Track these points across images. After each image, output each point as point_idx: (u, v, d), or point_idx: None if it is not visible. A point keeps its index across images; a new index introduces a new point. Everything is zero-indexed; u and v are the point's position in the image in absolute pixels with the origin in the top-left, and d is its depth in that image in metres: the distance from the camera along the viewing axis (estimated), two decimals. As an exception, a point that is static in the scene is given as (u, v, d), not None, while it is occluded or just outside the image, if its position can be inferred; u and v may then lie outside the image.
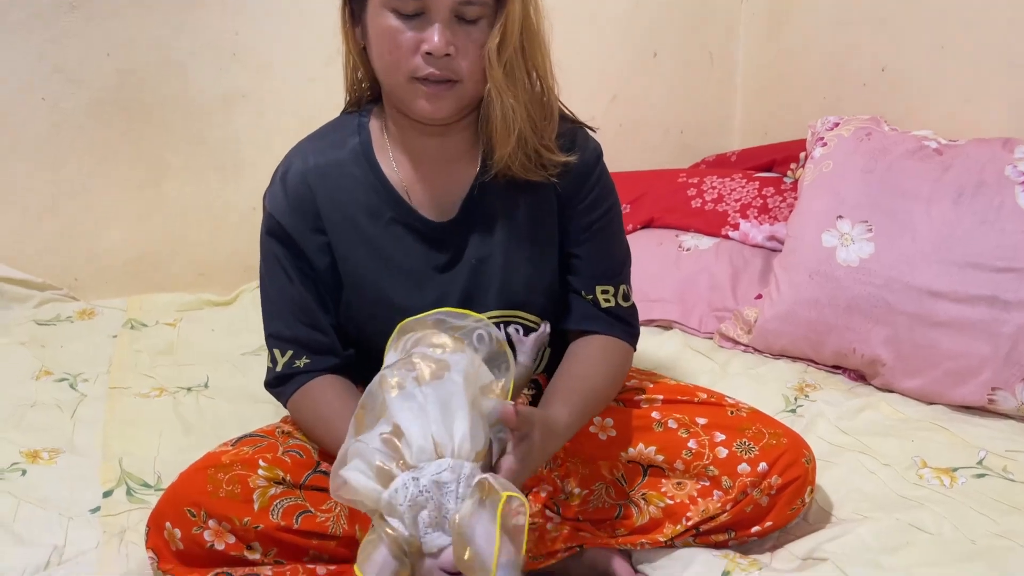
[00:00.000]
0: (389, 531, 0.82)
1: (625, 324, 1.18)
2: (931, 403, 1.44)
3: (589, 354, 1.15)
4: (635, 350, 1.20)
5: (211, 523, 1.05)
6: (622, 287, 1.18)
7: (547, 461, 1.14)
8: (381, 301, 1.11)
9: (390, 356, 0.98)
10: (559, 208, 1.13)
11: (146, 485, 1.31)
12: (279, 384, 1.14)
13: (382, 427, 0.87)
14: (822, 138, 1.71)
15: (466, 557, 0.78)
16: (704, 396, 1.19)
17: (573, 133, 1.13)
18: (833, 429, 1.37)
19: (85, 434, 1.44)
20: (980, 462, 1.25)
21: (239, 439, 1.13)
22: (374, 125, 1.14)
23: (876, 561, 1.04)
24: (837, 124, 1.73)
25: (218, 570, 1.04)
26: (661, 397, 1.19)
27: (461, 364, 0.91)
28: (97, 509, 1.24)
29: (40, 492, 1.27)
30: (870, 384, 1.53)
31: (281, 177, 1.12)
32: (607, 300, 1.16)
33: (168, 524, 1.06)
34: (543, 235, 1.14)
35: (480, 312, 1.06)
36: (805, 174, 1.70)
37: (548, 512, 1.15)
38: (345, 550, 1.08)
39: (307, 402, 1.11)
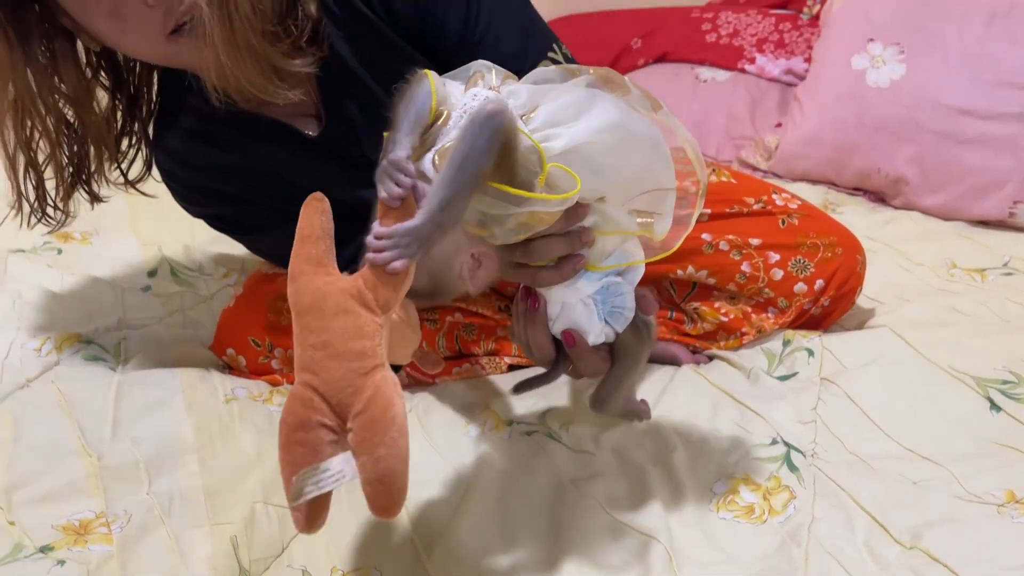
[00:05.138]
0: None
1: None
2: (950, 219, 1.50)
3: None
4: None
5: (277, 352, 1.05)
6: None
7: None
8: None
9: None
10: (408, 39, 0.93)
11: (190, 268, 1.29)
12: None
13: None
14: (851, -35, 1.71)
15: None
16: (752, 203, 1.14)
17: None
18: (862, 237, 1.41)
19: (111, 222, 1.39)
20: (1006, 264, 1.32)
21: None
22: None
23: (928, 332, 1.10)
24: (865, -47, 1.73)
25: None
26: (708, 211, 1.11)
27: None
28: (148, 288, 1.22)
29: (82, 268, 1.24)
30: (890, 205, 1.58)
31: (164, 176, 1.02)
32: None
33: (231, 351, 1.07)
34: None
35: None
36: (832, 1, 1.70)
37: None
38: (415, 369, 1.08)
39: None
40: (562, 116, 0.71)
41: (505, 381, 1.06)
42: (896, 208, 1.56)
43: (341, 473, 0.59)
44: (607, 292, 0.78)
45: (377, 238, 0.63)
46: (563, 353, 0.82)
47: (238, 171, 0.98)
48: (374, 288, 0.62)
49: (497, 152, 0.65)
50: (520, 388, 0.90)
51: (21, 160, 0.91)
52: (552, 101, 0.71)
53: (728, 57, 1.93)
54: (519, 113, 0.70)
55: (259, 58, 0.84)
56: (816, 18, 1.93)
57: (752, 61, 1.91)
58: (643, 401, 0.89)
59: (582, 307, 0.78)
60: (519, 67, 0.90)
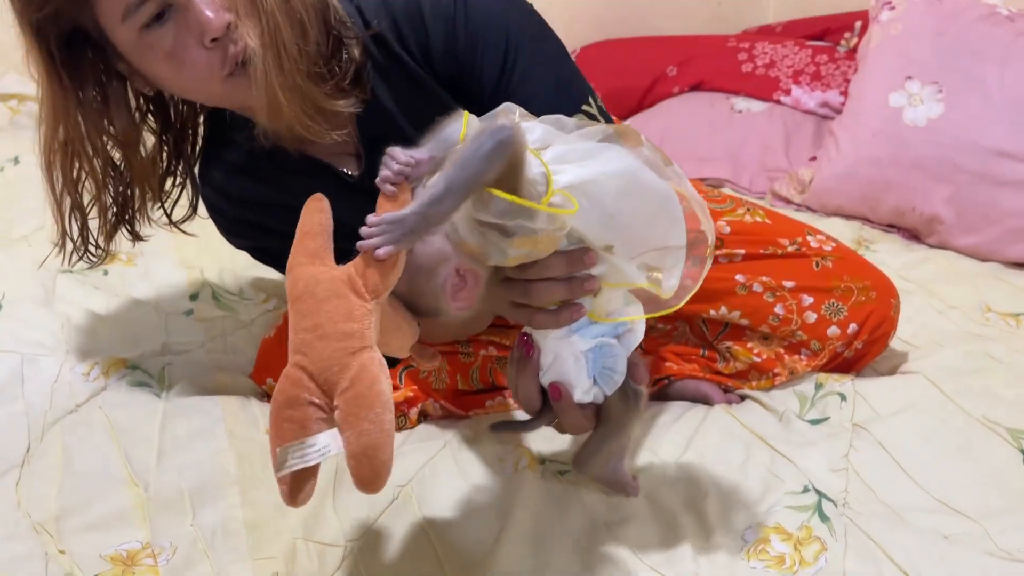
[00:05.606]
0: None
1: None
2: (985, 260, 1.50)
3: None
4: None
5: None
6: None
7: None
8: None
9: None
10: (446, 87, 0.95)
11: (231, 293, 1.31)
12: None
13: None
14: (889, 1, 1.71)
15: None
16: (787, 244, 1.14)
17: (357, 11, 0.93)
18: (896, 276, 1.41)
19: (154, 243, 1.42)
20: (1041, 309, 1.32)
21: None
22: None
23: (962, 379, 1.10)
24: (905, -11, 1.73)
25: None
26: (742, 252, 1.13)
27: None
28: (190, 312, 1.24)
29: (127, 290, 1.27)
30: (924, 243, 1.58)
31: (209, 210, 1.05)
32: None
33: (270, 380, 1.09)
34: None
35: None
36: (870, 38, 1.71)
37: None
38: (449, 402, 1.10)
39: None
40: (572, 156, 0.73)
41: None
42: (931, 246, 1.56)
43: (327, 447, 0.62)
44: (600, 352, 0.79)
45: (368, 226, 0.67)
46: (549, 405, 0.83)
47: (279, 206, 1.00)
48: (363, 274, 0.65)
49: (502, 164, 0.67)
50: (498, 427, 0.92)
51: (67, 201, 0.93)
52: (565, 143, 0.74)
53: (763, 88, 1.94)
54: (532, 148, 0.72)
55: (305, 98, 0.87)
56: (853, 51, 1.93)
57: (788, 92, 1.91)
58: (635, 477, 0.91)
59: (573, 361, 0.79)
60: None
